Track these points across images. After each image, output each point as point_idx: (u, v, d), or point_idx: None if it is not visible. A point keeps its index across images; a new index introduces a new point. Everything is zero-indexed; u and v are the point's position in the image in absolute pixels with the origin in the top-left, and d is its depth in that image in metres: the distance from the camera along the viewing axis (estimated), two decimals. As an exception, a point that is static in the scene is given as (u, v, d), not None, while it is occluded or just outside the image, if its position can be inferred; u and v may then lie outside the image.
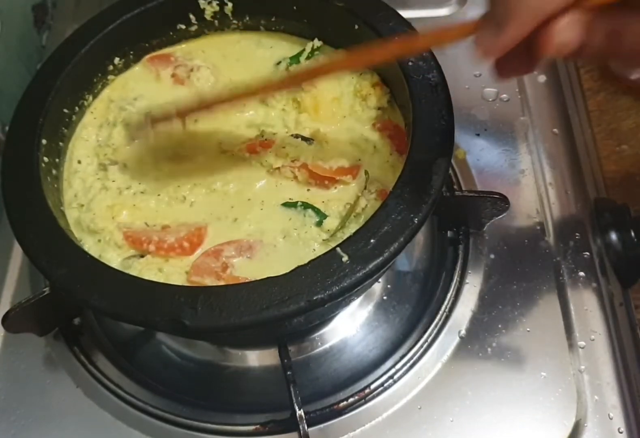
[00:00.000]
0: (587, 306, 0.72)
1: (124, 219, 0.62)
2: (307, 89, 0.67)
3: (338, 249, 0.51)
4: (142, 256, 0.60)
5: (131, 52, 0.72)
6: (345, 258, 0.51)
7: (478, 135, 0.84)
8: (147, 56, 0.73)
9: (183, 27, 0.73)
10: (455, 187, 0.80)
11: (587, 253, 0.75)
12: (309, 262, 0.51)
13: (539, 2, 0.38)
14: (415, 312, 0.75)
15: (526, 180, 0.80)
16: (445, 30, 0.44)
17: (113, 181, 0.64)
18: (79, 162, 0.66)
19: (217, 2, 0.71)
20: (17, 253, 0.79)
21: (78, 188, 0.64)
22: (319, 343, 0.74)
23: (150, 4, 0.69)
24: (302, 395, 0.64)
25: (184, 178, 0.64)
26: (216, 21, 0.73)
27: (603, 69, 0.91)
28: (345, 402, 0.67)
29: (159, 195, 0.63)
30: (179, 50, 0.74)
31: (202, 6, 0.71)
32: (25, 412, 0.69)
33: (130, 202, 0.63)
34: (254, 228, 0.61)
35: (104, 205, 0.62)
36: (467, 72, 0.89)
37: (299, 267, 0.51)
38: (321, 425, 0.67)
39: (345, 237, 0.54)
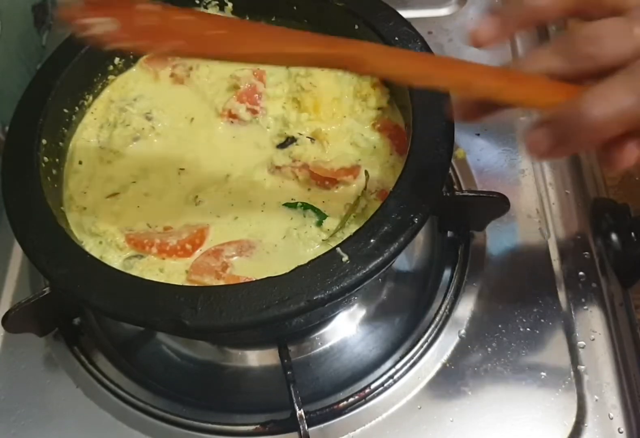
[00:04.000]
0: (587, 306, 0.72)
1: (127, 220, 0.62)
2: (307, 89, 0.67)
3: (338, 249, 0.51)
4: (142, 256, 0.60)
5: (131, 52, 0.72)
6: (345, 258, 0.51)
7: (478, 135, 0.84)
8: (144, 57, 0.73)
9: (183, 27, 0.73)
10: (455, 187, 0.80)
11: (587, 253, 0.75)
12: (309, 262, 0.51)
13: (599, 130, 0.38)
14: (415, 312, 0.75)
15: (526, 180, 0.80)
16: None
17: (115, 182, 0.65)
18: (80, 162, 0.66)
19: (217, 2, 0.71)
20: (17, 253, 0.79)
21: (73, 188, 0.64)
22: (319, 343, 0.74)
23: (150, 4, 0.69)
24: (302, 395, 0.64)
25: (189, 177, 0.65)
26: (216, 21, 0.73)
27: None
28: (345, 402, 0.67)
29: (163, 196, 0.63)
30: (176, 49, 0.74)
31: (202, 6, 0.71)
32: (25, 412, 0.69)
33: (134, 204, 0.63)
34: (254, 227, 0.61)
35: (107, 209, 0.62)
36: (467, 72, 0.89)
37: (299, 267, 0.51)
38: (321, 425, 0.66)
39: (345, 237, 0.54)
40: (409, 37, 0.63)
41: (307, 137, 0.65)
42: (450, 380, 0.68)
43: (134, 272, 0.56)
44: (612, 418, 0.66)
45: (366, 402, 0.67)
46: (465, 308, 0.72)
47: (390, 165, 0.63)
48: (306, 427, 0.63)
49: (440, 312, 0.71)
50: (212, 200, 0.63)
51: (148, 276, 0.56)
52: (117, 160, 0.66)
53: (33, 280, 0.77)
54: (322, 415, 0.67)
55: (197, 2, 0.71)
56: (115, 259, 0.59)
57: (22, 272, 0.78)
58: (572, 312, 0.72)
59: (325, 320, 0.73)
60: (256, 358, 0.74)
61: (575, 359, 0.69)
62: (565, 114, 0.39)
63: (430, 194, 0.54)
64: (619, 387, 0.67)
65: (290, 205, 0.62)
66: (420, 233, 0.66)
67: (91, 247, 0.60)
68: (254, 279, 0.52)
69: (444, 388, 0.68)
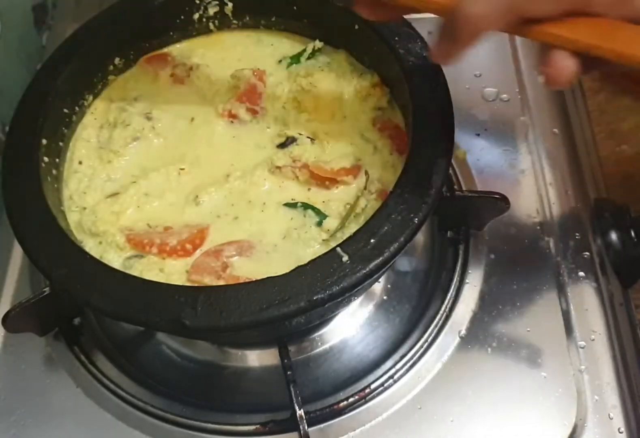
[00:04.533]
0: (587, 306, 0.72)
1: (127, 220, 0.62)
2: (307, 89, 0.67)
3: (338, 249, 0.51)
4: (142, 256, 0.60)
5: (131, 52, 0.72)
6: (345, 258, 0.51)
7: (478, 135, 0.84)
8: (144, 57, 0.73)
9: (183, 27, 0.73)
10: (455, 187, 0.80)
11: (587, 253, 0.75)
12: (309, 262, 0.51)
13: (478, 24, 0.43)
14: (415, 312, 0.75)
15: (526, 180, 0.80)
16: None
17: (115, 181, 0.65)
18: (80, 162, 0.66)
19: (217, 2, 0.71)
20: (17, 253, 0.79)
21: (73, 188, 0.64)
22: (319, 343, 0.74)
23: (150, 4, 0.69)
24: (302, 395, 0.64)
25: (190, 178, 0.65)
26: (216, 21, 0.73)
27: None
28: (345, 402, 0.67)
29: (163, 196, 0.63)
30: (175, 49, 0.74)
31: (202, 6, 0.71)
32: (25, 412, 0.69)
33: (134, 204, 0.63)
34: (254, 227, 0.61)
35: (107, 209, 0.62)
36: (467, 72, 0.89)
37: (299, 267, 0.51)
38: (321, 425, 0.66)
39: (345, 237, 0.54)
40: (409, 37, 0.63)
41: (307, 137, 0.65)
42: (450, 380, 0.68)
43: (134, 272, 0.56)
44: (612, 418, 0.66)
45: (366, 402, 0.67)
46: (465, 308, 0.72)
47: (390, 165, 0.63)
48: (306, 427, 0.63)
49: (440, 312, 0.71)
50: (212, 200, 0.63)
51: (148, 276, 0.56)
52: (117, 160, 0.66)
53: (33, 280, 0.77)
54: (322, 415, 0.67)
55: (197, 2, 0.71)
56: (115, 259, 0.59)
57: (22, 272, 0.78)
58: (572, 312, 0.72)
59: (325, 320, 0.73)
60: (256, 358, 0.74)
61: (575, 359, 0.69)
62: (450, 13, 0.45)
63: (430, 194, 0.54)
64: (619, 387, 0.67)
65: (290, 205, 0.62)
66: (420, 233, 0.66)
67: (91, 247, 0.60)
68: (254, 279, 0.52)
69: (444, 388, 0.68)
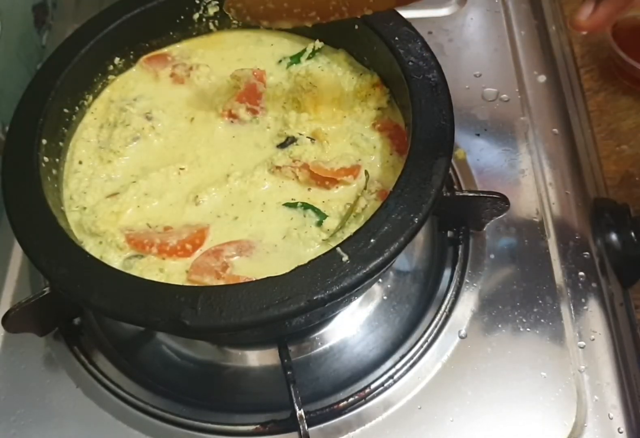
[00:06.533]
0: (587, 306, 0.72)
1: (127, 220, 0.62)
2: (307, 89, 0.67)
3: (338, 249, 0.51)
4: (142, 256, 0.60)
5: (131, 52, 0.72)
6: (345, 258, 0.51)
7: (478, 135, 0.84)
8: (144, 57, 0.73)
9: (183, 26, 0.73)
10: (455, 187, 0.80)
11: (587, 253, 0.75)
12: (309, 262, 0.51)
13: None
14: (415, 312, 0.75)
15: (526, 180, 0.80)
16: None
17: (115, 181, 0.65)
18: (80, 162, 0.66)
19: (217, 2, 0.71)
20: (17, 253, 0.79)
21: (73, 188, 0.64)
22: (319, 343, 0.74)
23: (150, 4, 0.69)
24: (302, 395, 0.64)
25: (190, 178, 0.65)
26: (216, 21, 0.73)
27: (603, 69, 0.91)
28: (345, 402, 0.67)
29: (163, 196, 0.64)
30: (175, 49, 0.74)
31: (202, 6, 0.71)
32: (25, 412, 0.69)
33: (134, 204, 0.63)
34: (254, 227, 0.61)
35: (107, 209, 0.62)
36: (467, 72, 0.89)
37: (299, 266, 0.51)
38: (321, 425, 0.67)
39: (345, 237, 0.54)
40: (409, 37, 0.63)
41: (307, 137, 0.65)
42: (450, 380, 0.68)
43: (134, 272, 0.56)
44: (612, 418, 0.66)
45: (366, 402, 0.67)
46: (465, 308, 0.72)
47: (390, 165, 0.63)
48: (306, 427, 0.63)
49: (440, 312, 0.72)
50: (212, 200, 0.63)
51: (148, 276, 0.56)
52: (117, 160, 0.66)
53: (33, 280, 0.77)
54: (322, 415, 0.67)
55: (197, 2, 0.71)
56: (115, 259, 0.59)
57: (22, 272, 0.78)
58: (572, 312, 0.72)
59: (325, 320, 0.73)
60: (256, 358, 0.74)
61: (575, 359, 0.69)
62: None
63: (430, 194, 0.54)
64: (619, 387, 0.67)
65: (290, 205, 0.62)
66: (420, 233, 0.66)
67: (91, 247, 0.60)
68: (254, 279, 0.52)
69: (444, 388, 0.68)
